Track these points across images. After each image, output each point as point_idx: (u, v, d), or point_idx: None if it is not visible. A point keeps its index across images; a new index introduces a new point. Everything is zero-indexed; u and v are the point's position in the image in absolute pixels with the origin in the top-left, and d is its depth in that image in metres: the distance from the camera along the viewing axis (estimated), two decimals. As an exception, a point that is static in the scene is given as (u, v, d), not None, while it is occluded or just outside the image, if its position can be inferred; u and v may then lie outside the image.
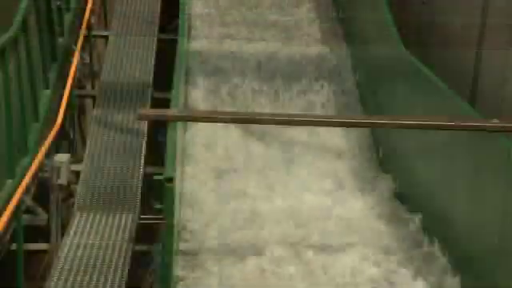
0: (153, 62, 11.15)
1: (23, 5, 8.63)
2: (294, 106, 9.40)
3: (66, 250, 7.86)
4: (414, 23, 10.21)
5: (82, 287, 7.32)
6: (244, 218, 7.46)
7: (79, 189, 8.88)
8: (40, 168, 8.47)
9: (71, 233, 8.17)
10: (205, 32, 10.85)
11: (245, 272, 6.63)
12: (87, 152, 9.44)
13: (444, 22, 9.26)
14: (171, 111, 6.21)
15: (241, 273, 6.62)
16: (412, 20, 10.30)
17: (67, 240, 8.04)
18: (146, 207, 8.39)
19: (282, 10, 11.63)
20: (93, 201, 8.70)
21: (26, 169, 8.12)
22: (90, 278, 7.45)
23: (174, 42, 9.38)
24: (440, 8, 9.48)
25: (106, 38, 12.11)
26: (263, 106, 9.38)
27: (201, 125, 8.80)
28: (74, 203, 8.76)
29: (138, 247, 8.11)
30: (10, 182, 7.86)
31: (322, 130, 8.72)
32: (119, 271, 7.55)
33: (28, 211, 8.43)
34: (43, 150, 8.46)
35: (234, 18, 11.26)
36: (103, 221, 8.38)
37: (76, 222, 8.37)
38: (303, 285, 6.47)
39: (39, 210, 8.50)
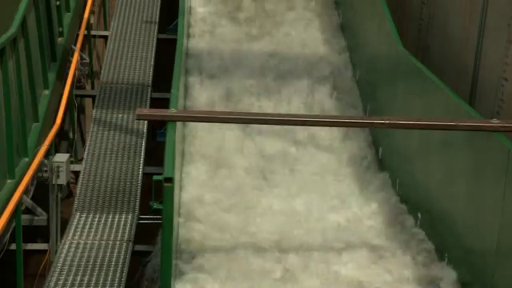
0: (152, 62, 11.15)
1: (23, 5, 8.64)
2: None
3: (65, 249, 7.86)
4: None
5: (81, 287, 7.32)
6: None
7: (79, 189, 8.89)
8: (39, 168, 8.47)
9: (70, 233, 8.17)
10: None
11: None
12: (87, 152, 9.44)
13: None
14: (170, 111, 6.19)
15: None
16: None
17: (66, 240, 8.04)
18: (145, 207, 8.39)
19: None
20: (92, 201, 8.70)
21: (26, 169, 8.12)
22: (90, 277, 7.45)
23: (174, 42, 9.38)
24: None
25: (105, 37, 12.13)
26: None
27: None
28: (73, 203, 8.76)
29: (138, 247, 8.11)
30: (9, 182, 7.87)
31: None
32: (118, 271, 7.55)
33: (27, 211, 8.43)
34: (43, 150, 8.46)
35: None
36: (102, 221, 8.39)
37: (75, 221, 8.37)
38: None
39: (39, 209, 8.51)
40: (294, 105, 9.65)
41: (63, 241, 8.04)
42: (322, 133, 9.10)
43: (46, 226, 8.57)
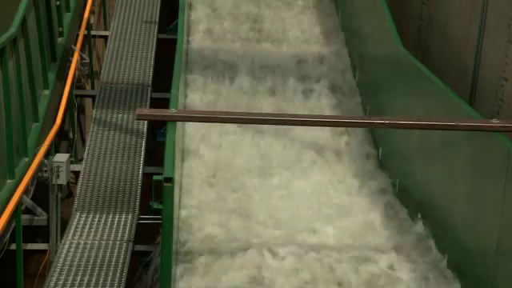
0: (152, 62, 11.15)
1: (23, 5, 8.64)
2: None
3: (65, 249, 7.86)
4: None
5: (81, 287, 7.32)
6: None
7: (79, 189, 8.89)
8: (39, 168, 8.47)
9: (70, 233, 8.17)
10: None
11: None
12: (87, 152, 9.44)
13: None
14: (170, 111, 6.19)
15: None
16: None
17: (66, 240, 8.04)
18: (145, 207, 8.39)
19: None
20: (92, 201, 8.70)
21: (26, 169, 8.12)
22: (90, 277, 7.45)
23: (174, 42, 9.38)
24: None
25: (105, 37, 12.13)
26: None
27: None
28: (73, 203, 8.76)
29: (138, 247, 8.11)
30: (9, 182, 7.87)
31: None
32: (118, 271, 7.55)
33: (28, 211, 8.43)
34: (43, 150, 8.47)
35: None
36: (102, 221, 8.38)
37: (75, 221, 8.37)
38: None
39: (39, 209, 8.51)
40: (293, 105, 9.67)
41: (63, 241, 8.04)
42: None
43: (46, 226, 8.57)
